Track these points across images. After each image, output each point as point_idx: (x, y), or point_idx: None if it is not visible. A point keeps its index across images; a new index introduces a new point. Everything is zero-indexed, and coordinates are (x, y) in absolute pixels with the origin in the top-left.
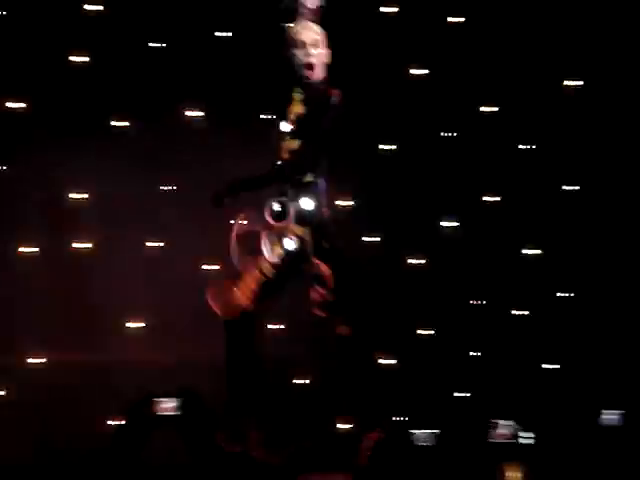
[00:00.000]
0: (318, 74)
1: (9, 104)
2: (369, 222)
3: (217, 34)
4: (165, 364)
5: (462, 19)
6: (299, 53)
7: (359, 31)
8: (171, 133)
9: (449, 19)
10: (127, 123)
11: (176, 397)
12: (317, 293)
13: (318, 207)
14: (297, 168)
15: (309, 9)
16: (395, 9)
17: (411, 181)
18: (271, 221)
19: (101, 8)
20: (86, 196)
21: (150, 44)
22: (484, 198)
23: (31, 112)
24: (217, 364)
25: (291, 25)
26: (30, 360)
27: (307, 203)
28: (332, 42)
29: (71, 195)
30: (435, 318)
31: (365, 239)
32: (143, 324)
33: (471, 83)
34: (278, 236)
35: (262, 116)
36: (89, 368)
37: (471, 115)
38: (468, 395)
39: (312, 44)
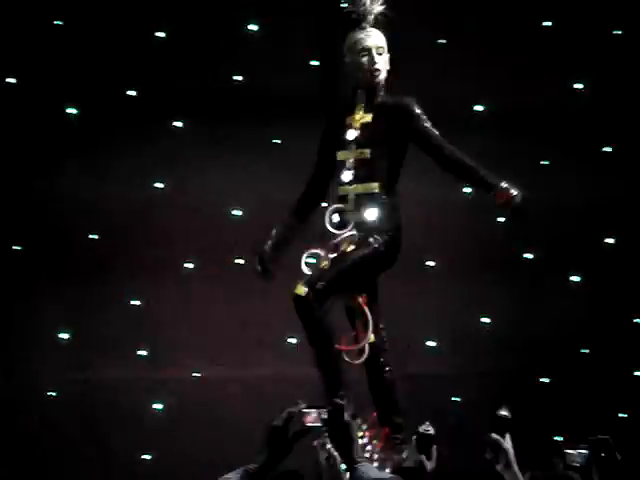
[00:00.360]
0: (382, 79)
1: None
2: (527, 238)
3: None
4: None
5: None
6: (364, 59)
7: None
8: None
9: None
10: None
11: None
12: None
13: (383, 220)
14: (366, 177)
15: (373, 15)
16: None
17: (569, 196)
18: (331, 229)
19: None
20: (241, 213)
21: None
22: None
23: (189, 132)
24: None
25: (355, 31)
26: (192, 374)
27: (371, 213)
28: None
29: (232, 211)
30: (596, 336)
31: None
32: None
33: None
34: None
35: None
36: (247, 382)
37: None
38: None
39: (377, 50)
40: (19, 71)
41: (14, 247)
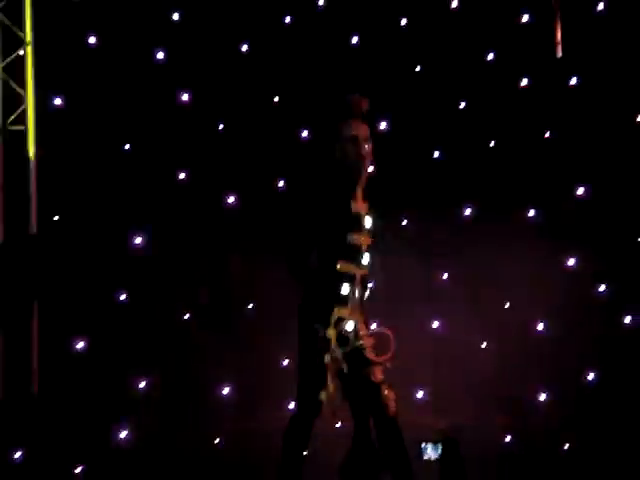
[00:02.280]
0: (369, 167)
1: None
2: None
3: None
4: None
5: None
6: (353, 148)
7: None
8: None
9: None
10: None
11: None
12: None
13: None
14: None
15: (361, 109)
16: None
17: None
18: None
19: None
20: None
21: None
22: None
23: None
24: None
25: (344, 122)
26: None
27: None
28: None
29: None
30: None
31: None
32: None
33: None
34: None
35: None
36: None
37: None
38: None
39: (365, 140)
40: None
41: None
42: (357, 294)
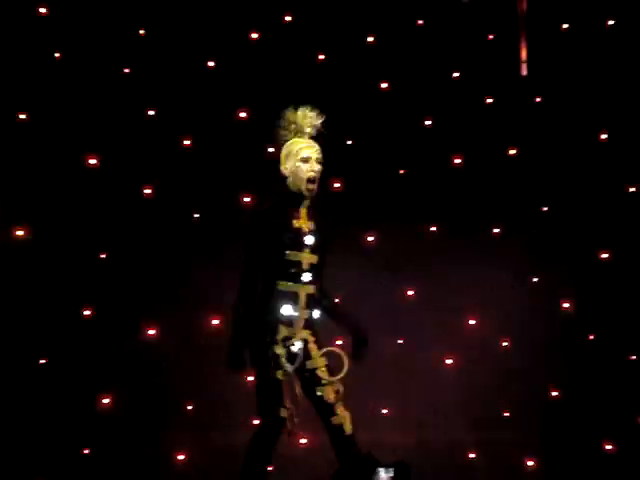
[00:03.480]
0: (317, 188)
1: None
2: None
3: None
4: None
5: None
6: (304, 167)
7: None
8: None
9: None
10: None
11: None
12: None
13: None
14: (315, 280)
15: (314, 128)
16: None
17: (627, 286)
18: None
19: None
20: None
21: None
22: None
23: None
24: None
25: (297, 140)
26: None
27: (317, 314)
28: None
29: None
30: None
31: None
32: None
33: None
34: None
35: None
36: None
37: None
38: None
39: (316, 160)
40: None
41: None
42: (303, 314)
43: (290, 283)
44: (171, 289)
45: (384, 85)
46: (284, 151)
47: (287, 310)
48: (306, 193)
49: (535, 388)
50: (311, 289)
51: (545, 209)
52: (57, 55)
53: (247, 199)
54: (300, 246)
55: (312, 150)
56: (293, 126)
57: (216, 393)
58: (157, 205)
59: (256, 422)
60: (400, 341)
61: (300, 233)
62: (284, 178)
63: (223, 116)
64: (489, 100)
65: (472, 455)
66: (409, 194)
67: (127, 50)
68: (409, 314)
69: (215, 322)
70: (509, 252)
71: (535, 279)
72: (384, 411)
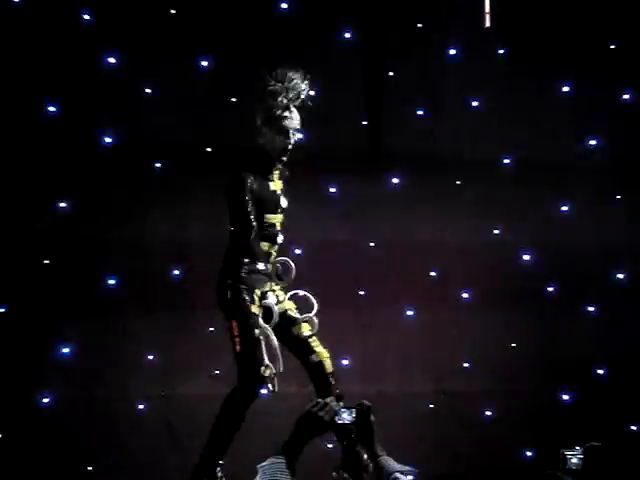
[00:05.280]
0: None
1: None
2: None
3: None
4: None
5: None
6: (281, 137)
7: None
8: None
9: None
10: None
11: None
12: None
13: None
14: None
15: (298, 96)
16: None
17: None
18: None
19: None
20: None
21: None
22: None
23: None
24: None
25: (277, 108)
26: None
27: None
28: None
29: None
30: (608, 358)
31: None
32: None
33: None
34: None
35: None
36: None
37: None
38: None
39: (295, 130)
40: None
41: (110, 282)
42: (273, 269)
43: (267, 244)
44: (130, 238)
45: (347, 35)
46: (264, 114)
47: (261, 266)
48: (278, 161)
49: (494, 339)
50: (277, 250)
51: (507, 161)
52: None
53: (208, 149)
54: (276, 209)
55: (296, 122)
56: (291, 93)
57: (176, 343)
58: (117, 155)
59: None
60: (362, 292)
61: (276, 195)
62: (262, 144)
63: (184, 64)
64: (452, 51)
65: (431, 405)
66: (370, 144)
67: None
68: (371, 266)
69: (175, 271)
70: (473, 202)
71: (497, 231)
72: (345, 362)
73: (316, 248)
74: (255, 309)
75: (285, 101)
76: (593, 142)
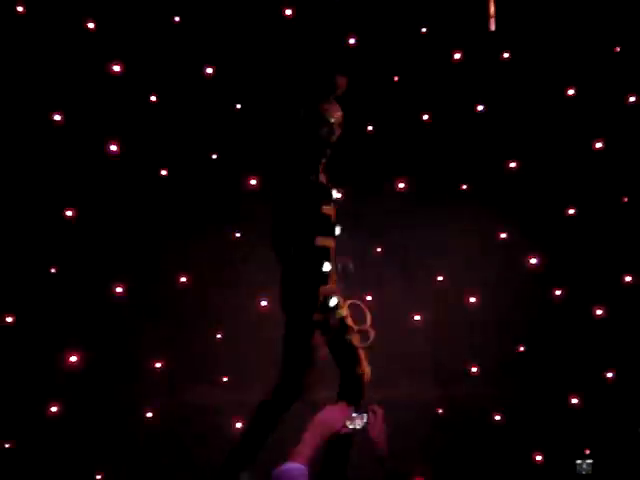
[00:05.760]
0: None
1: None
2: (557, 276)
3: None
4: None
5: None
6: (325, 130)
7: None
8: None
9: None
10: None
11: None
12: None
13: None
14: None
15: (341, 88)
16: None
17: (592, 242)
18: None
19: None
20: None
21: None
22: None
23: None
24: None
25: (324, 103)
26: None
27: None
28: None
29: None
30: (618, 361)
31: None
32: None
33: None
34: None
35: None
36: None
37: None
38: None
39: (338, 123)
40: None
41: (117, 289)
42: (334, 268)
43: (327, 238)
44: (139, 247)
45: (352, 41)
46: (314, 113)
47: (326, 267)
48: (326, 155)
49: (502, 343)
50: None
51: (513, 165)
52: (20, 10)
53: (214, 156)
54: (330, 200)
55: (339, 115)
56: (327, 89)
57: (185, 350)
58: (125, 162)
59: (225, 379)
60: (369, 297)
61: (328, 187)
62: (309, 139)
63: (190, 72)
64: (457, 56)
65: (439, 410)
66: (377, 151)
67: (92, 3)
68: (377, 270)
69: (183, 279)
70: (477, 208)
71: (503, 235)
72: None
73: None
74: (317, 316)
75: (330, 91)
76: (599, 145)
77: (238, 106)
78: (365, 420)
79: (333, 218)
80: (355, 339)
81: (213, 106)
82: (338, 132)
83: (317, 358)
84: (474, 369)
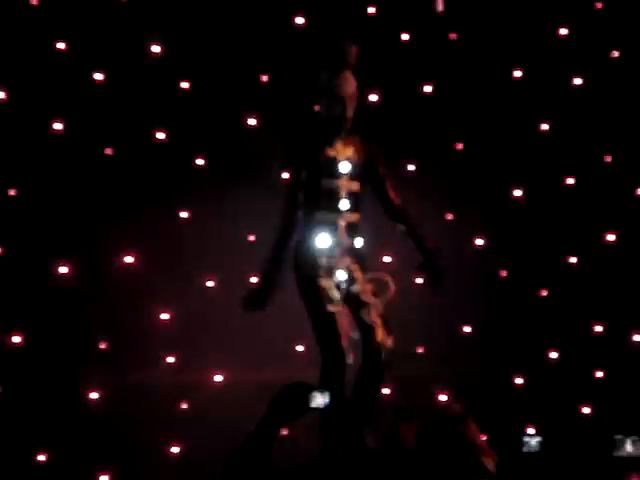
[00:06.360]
0: (351, 124)
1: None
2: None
3: None
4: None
5: None
6: (339, 105)
7: None
8: None
9: None
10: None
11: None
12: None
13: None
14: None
15: (351, 59)
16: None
17: (537, 223)
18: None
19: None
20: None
21: None
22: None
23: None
24: None
25: (330, 75)
26: (214, 378)
27: (360, 242)
28: None
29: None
30: (559, 342)
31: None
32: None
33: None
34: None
35: None
36: (261, 385)
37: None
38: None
39: (351, 97)
40: None
41: (61, 269)
42: (343, 242)
43: (329, 213)
44: (84, 227)
45: (299, 21)
46: (324, 87)
47: (325, 239)
48: (340, 129)
49: (448, 324)
50: (352, 217)
51: (459, 147)
52: None
53: (161, 135)
54: (334, 173)
55: (351, 88)
56: (336, 60)
57: (130, 331)
58: (69, 141)
59: (171, 359)
60: None
61: (334, 160)
62: (319, 114)
63: (135, 50)
64: (404, 37)
65: (387, 390)
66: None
67: None
68: None
69: (129, 259)
70: (423, 190)
71: (449, 216)
72: (299, 348)
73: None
74: (324, 282)
75: (340, 63)
76: (545, 127)
77: (186, 85)
78: (327, 398)
79: (340, 193)
80: (368, 314)
81: (161, 84)
82: (352, 106)
83: (340, 326)
84: (420, 350)
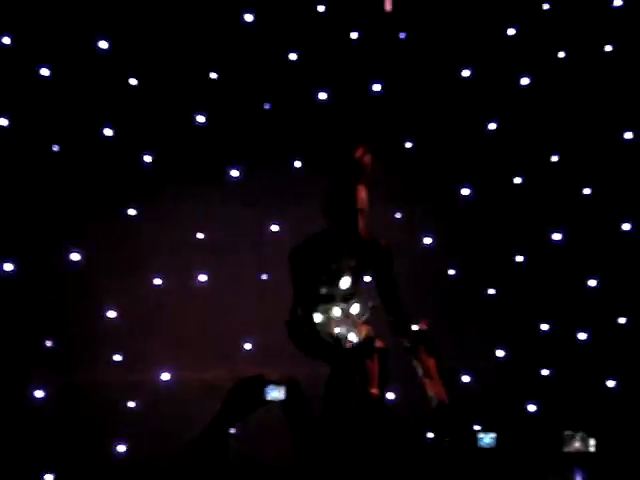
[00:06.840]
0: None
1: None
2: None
3: None
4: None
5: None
6: (353, 218)
7: None
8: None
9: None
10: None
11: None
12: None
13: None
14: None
15: (368, 171)
16: None
17: (484, 223)
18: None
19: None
20: (202, 236)
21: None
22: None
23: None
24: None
25: (350, 187)
26: (161, 377)
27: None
28: None
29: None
30: (508, 340)
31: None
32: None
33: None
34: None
35: None
36: (208, 384)
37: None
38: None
39: (362, 208)
40: None
41: (7, 267)
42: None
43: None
44: (30, 224)
45: (249, 18)
46: (341, 198)
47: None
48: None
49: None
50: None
51: (409, 145)
52: None
53: (109, 132)
54: (336, 286)
55: (365, 199)
56: (351, 171)
57: (77, 329)
58: (13, 137)
59: (118, 358)
60: (264, 277)
61: (338, 273)
62: (335, 219)
63: (83, 46)
64: (354, 35)
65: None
66: (274, 130)
67: None
68: (274, 250)
69: (76, 257)
70: (371, 188)
71: (398, 215)
72: (247, 347)
73: (220, 234)
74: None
75: (355, 174)
76: (493, 126)
77: (134, 82)
78: (283, 392)
79: (337, 298)
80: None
81: (109, 81)
82: (364, 218)
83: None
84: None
